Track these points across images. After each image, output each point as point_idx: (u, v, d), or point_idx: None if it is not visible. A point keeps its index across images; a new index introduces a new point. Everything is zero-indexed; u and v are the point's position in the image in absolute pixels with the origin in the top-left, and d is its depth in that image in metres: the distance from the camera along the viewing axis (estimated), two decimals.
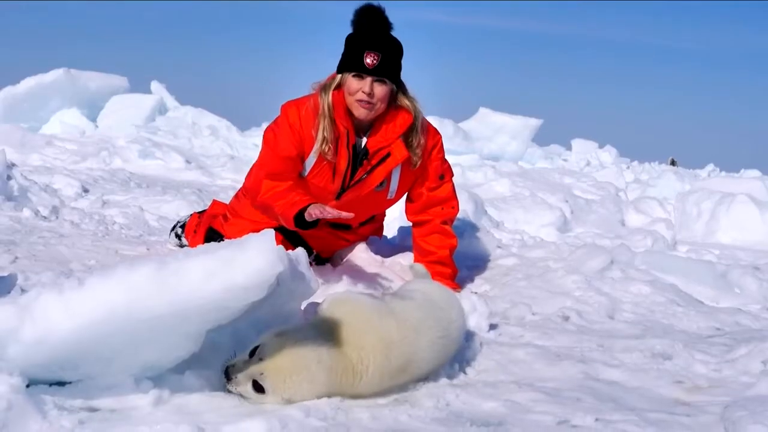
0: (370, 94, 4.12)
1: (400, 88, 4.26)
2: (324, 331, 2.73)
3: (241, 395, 2.61)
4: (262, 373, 2.58)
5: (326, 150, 4.19)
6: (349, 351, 2.70)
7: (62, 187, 7.76)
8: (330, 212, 3.91)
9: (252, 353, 2.62)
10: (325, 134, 4.17)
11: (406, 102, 4.27)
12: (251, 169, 4.71)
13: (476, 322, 3.66)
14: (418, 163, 4.36)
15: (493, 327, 3.74)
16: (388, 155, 4.28)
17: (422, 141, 4.34)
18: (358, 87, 4.12)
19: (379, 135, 4.26)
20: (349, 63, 4.15)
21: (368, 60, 4.09)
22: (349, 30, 4.24)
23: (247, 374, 2.59)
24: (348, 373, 2.69)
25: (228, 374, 2.60)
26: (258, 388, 2.58)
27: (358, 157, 4.28)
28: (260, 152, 4.41)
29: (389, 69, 4.16)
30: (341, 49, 4.24)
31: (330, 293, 3.20)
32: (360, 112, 4.17)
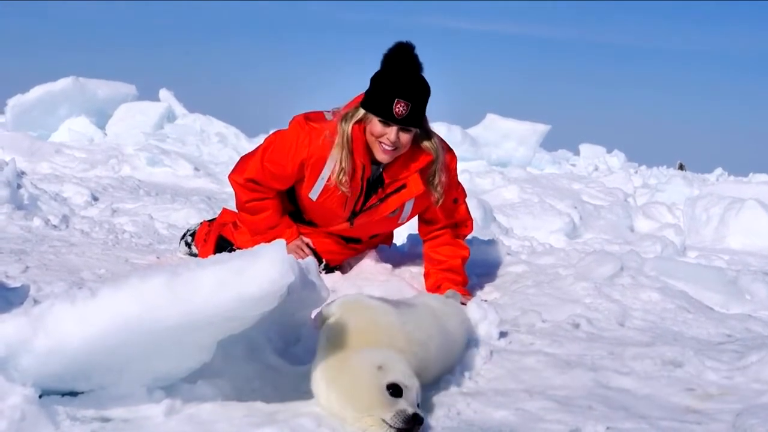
0: (395, 142, 4.06)
1: (422, 127, 4.18)
2: (331, 340, 2.72)
3: None
4: None
5: (343, 181, 4.14)
6: None
7: (72, 196, 7.81)
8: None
9: None
10: (343, 165, 4.11)
11: (427, 144, 4.20)
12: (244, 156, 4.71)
13: (486, 329, 3.64)
14: (440, 201, 4.32)
15: (503, 335, 3.72)
16: (403, 186, 4.25)
17: (443, 179, 4.28)
18: (383, 132, 4.05)
19: (395, 168, 4.22)
20: (377, 107, 4.03)
21: (398, 109, 3.98)
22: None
23: None
24: None
25: None
26: None
27: (373, 185, 4.25)
28: (259, 148, 4.42)
29: (417, 118, 4.06)
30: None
31: (341, 296, 3.15)
32: (382, 157, 4.12)
